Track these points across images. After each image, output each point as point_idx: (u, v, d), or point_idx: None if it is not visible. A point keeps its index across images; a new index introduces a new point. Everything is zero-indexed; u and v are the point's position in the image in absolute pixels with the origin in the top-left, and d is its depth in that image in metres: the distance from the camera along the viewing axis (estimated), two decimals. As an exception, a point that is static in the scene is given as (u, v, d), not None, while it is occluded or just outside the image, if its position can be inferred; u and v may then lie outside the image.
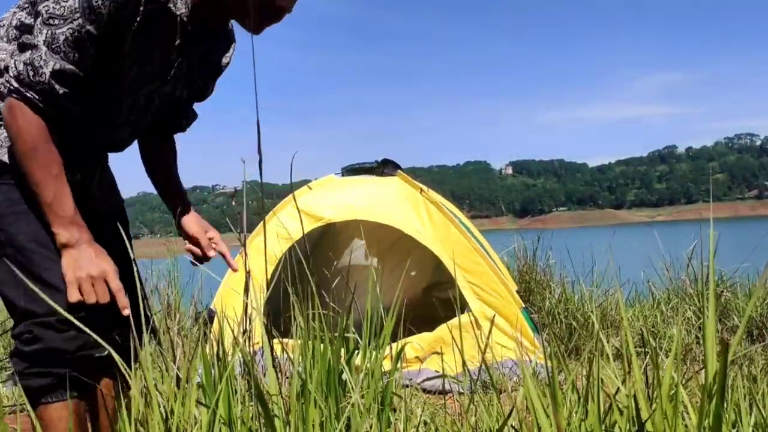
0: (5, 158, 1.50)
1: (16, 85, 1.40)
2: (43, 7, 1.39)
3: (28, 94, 1.40)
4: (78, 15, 1.38)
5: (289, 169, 1.69)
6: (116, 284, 1.47)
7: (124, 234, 1.67)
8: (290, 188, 1.70)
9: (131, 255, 1.67)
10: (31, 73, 1.39)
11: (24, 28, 1.51)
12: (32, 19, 1.45)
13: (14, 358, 1.46)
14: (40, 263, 1.46)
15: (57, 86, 1.41)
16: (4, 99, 1.44)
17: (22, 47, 1.43)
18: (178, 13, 1.52)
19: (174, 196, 1.88)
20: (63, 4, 1.38)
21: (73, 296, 1.43)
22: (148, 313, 1.57)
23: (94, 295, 1.44)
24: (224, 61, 1.80)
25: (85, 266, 1.44)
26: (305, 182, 4.29)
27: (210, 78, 1.80)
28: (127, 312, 1.46)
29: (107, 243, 1.55)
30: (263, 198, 1.49)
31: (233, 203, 1.65)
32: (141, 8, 1.44)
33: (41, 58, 1.38)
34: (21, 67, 1.39)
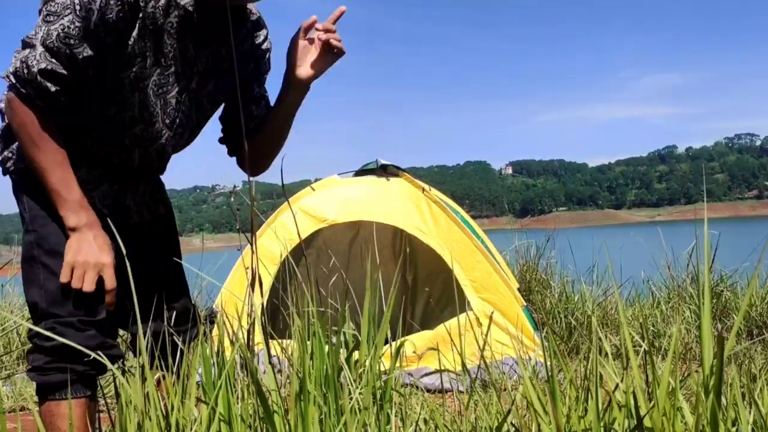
0: None
1: (13, 80, 1.46)
2: (45, 6, 1.43)
3: (23, 90, 1.45)
4: (69, 11, 1.41)
5: (289, 168, 1.69)
6: (109, 279, 1.50)
7: (170, 239, 1.79)
8: (286, 188, 1.70)
9: (180, 258, 1.77)
10: (25, 71, 1.44)
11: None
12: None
13: (34, 354, 1.49)
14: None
15: (48, 84, 1.44)
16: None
17: (24, 45, 1.47)
18: (182, 3, 1.49)
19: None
20: (58, 1, 1.41)
21: (64, 278, 1.47)
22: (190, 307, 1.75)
23: (81, 282, 1.47)
24: (260, 44, 1.71)
25: (84, 253, 1.47)
26: (307, 183, 4.30)
27: (247, 67, 1.68)
28: (110, 308, 1.51)
29: (140, 251, 1.59)
30: (253, 198, 1.49)
31: (231, 199, 1.65)
32: (142, 6, 1.44)
33: (34, 57, 1.43)
34: (18, 64, 1.45)
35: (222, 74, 1.65)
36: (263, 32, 1.73)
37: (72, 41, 1.42)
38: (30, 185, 1.54)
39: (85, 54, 1.44)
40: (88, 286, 1.47)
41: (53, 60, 1.43)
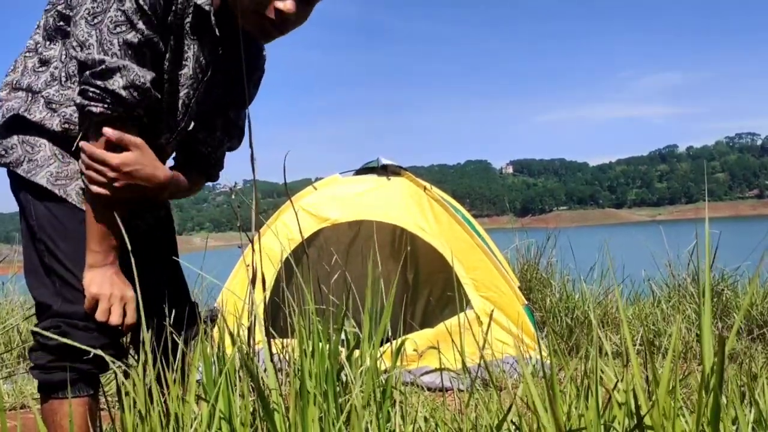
0: (42, 182, 1.50)
1: (121, 109, 1.40)
2: (107, 18, 1.38)
3: (135, 113, 1.43)
4: (137, 17, 1.38)
5: (291, 167, 1.69)
6: (131, 313, 1.51)
7: (169, 241, 1.78)
8: (286, 187, 1.69)
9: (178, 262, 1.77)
10: (135, 93, 1.40)
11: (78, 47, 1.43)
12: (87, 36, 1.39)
13: (37, 352, 1.49)
14: (78, 276, 1.50)
15: (156, 93, 1.45)
16: (97, 125, 1.42)
17: (105, 73, 1.38)
18: (206, 9, 1.49)
19: None
20: (120, 8, 1.37)
21: (88, 306, 1.47)
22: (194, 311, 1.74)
23: (108, 315, 1.48)
24: (260, 77, 1.75)
25: (108, 286, 1.48)
26: (308, 182, 4.30)
27: (235, 87, 1.68)
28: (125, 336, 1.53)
29: (143, 254, 1.59)
30: (256, 196, 1.49)
31: (233, 197, 1.65)
32: (173, 5, 1.45)
33: (135, 74, 1.39)
34: (124, 93, 1.39)
35: (215, 85, 1.65)
36: (262, 63, 1.76)
37: (155, 39, 1.42)
38: (32, 190, 1.52)
39: (162, 46, 1.45)
40: (116, 319, 1.48)
41: (144, 68, 1.42)
